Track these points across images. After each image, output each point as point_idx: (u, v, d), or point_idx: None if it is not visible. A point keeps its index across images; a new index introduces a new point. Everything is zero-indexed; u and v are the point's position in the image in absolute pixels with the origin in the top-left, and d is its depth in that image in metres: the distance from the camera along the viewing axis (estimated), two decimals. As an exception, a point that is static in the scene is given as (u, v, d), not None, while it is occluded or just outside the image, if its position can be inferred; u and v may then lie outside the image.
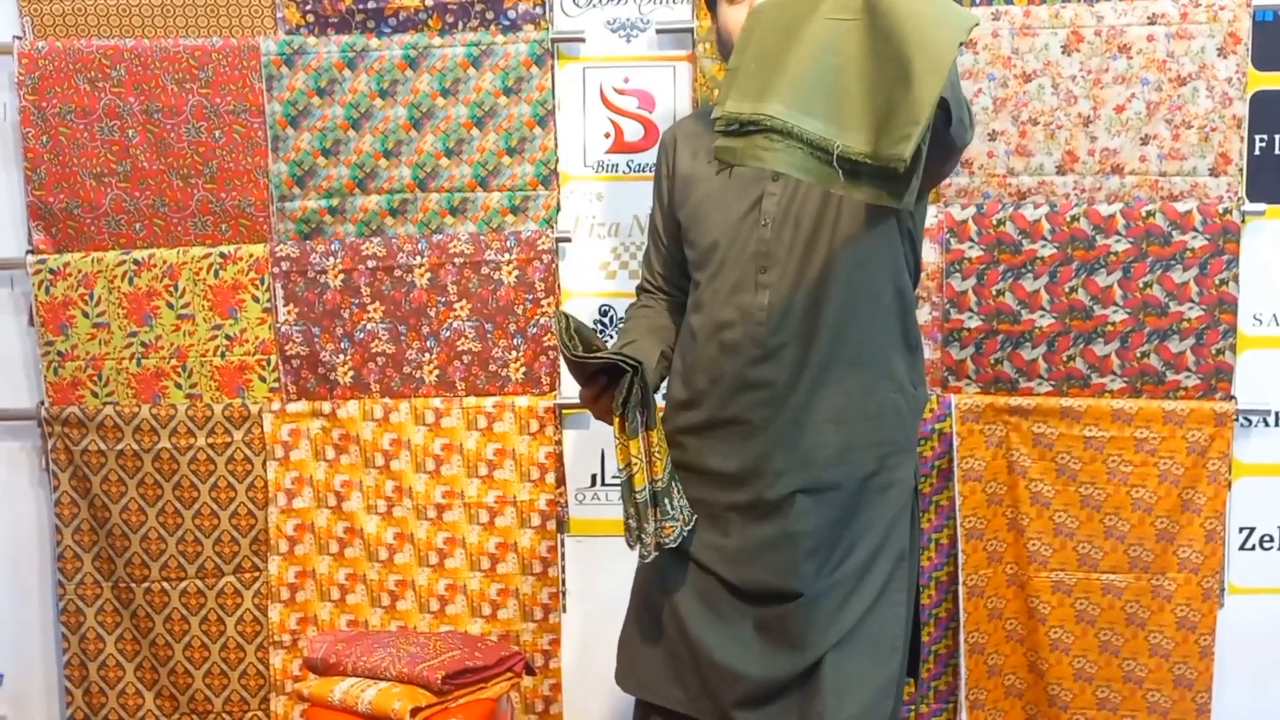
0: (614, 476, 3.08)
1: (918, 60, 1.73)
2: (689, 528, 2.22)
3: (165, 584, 3.04)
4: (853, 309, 2.18)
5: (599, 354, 2.12)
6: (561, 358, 2.24)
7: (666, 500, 2.17)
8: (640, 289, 2.53)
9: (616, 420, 2.11)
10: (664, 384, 2.39)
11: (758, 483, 2.20)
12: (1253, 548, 2.97)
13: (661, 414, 2.36)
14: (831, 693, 2.15)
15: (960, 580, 2.92)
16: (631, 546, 2.18)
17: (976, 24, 1.82)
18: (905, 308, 2.26)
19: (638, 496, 2.13)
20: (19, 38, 2.96)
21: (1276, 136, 2.88)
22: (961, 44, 1.77)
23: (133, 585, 3.04)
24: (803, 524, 2.19)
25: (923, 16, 1.76)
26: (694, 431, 2.28)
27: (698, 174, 2.32)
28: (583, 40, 2.99)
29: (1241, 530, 2.96)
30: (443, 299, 2.99)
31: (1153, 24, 2.81)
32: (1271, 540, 2.97)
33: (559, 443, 3.03)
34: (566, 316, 2.15)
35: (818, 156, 1.80)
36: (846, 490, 2.20)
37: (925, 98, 1.72)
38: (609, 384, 2.16)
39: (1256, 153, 2.88)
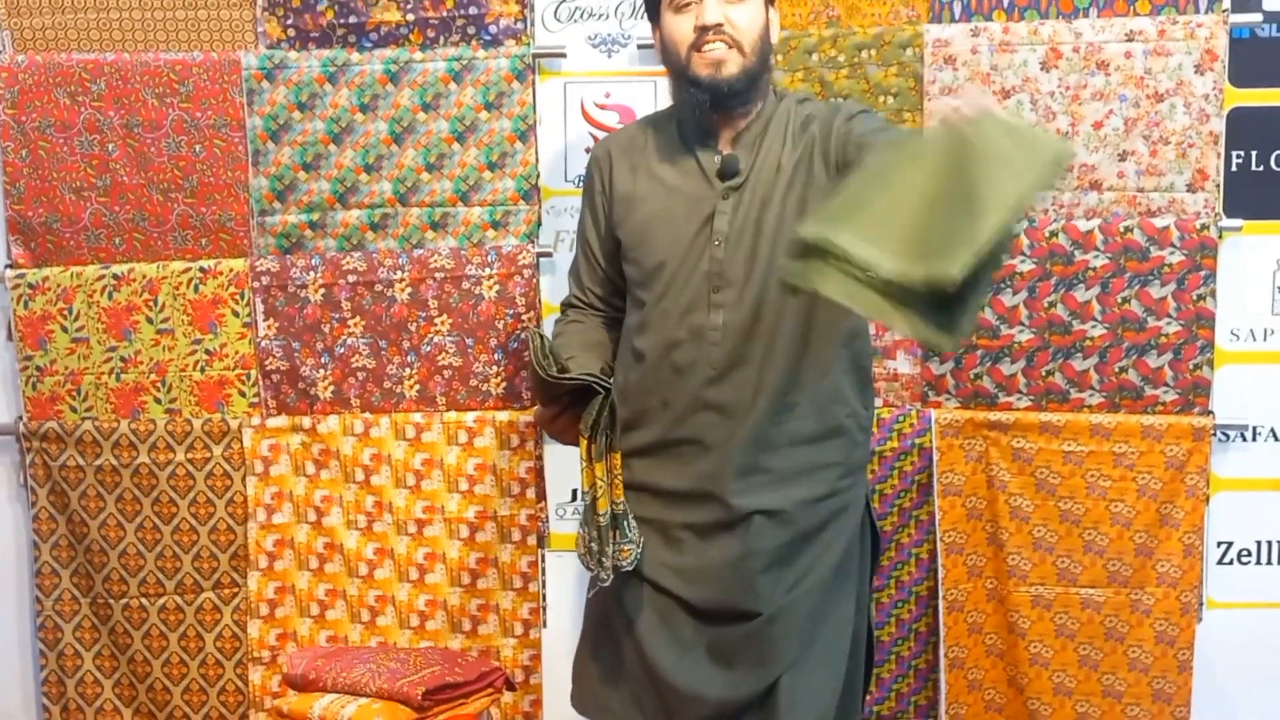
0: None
1: (987, 198, 1.64)
2: (639, 549, 2.21)
3: (144, 600, 3.03)
4: (808, 333, 2.18)
5: (571, 375, 2.11)
6: (532, 376, 2.22)
7: (625, 523, 2.18)
8: (567, 304, 2.48)
9: (584, 442, 2.10)
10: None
11: (714, 503, 2.20)
12: (1230, 562, 2.99)
13: None
14: (785, 709, 2.16)
15: (940, 595, 2.93)
16: (591, 569, 2.18)
17: (1071, 156, 1.72)
18: (856, 332, 2.27)
19: (600, 520, 2.13)
20: (-2, 52, 2.97)
21: (1253, 153, 2.90)
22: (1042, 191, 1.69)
23: (111, 601, 3.03)
24: (759, 543, 2.19)
25: (1007, 161, 1.67)
26: (643, 452, 2.27)
27: (639, 192, 2.29)
28: (564, 55, 3.00)
29: (1219, 545, 2.97)
30: (423, 314, 2.98)
31: (1130, 41, 2.83)
32: (1249, 555, 2.98)
33: (539, 458, 3.02)
34: (541, 336, 2.15)
35: (870, 283, 1.69)
36: (802, 511, 2.20)
37: (985, 225, 1.61)
38: (570, 404, 2.16)
39: (1233, 169, 2.90)
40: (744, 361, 2.17)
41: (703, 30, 2.16)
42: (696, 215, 2.22)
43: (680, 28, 2.20)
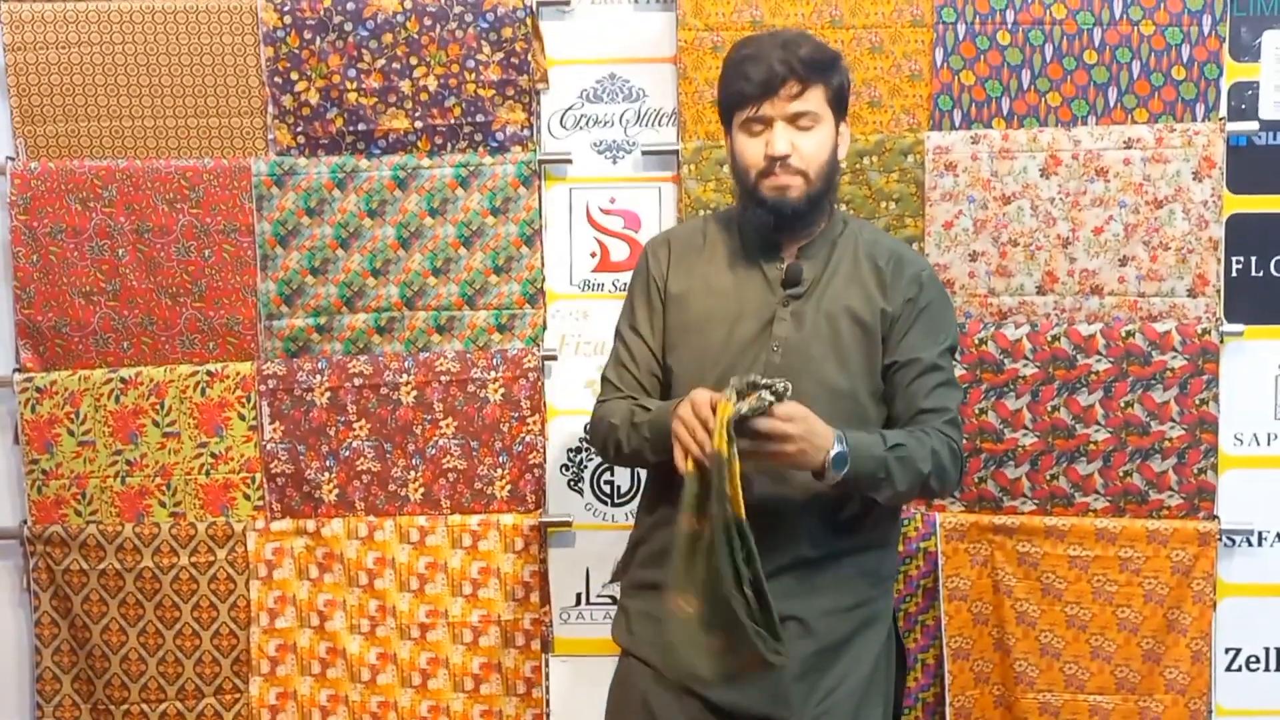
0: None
1: None
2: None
3: (145, 706, 3.00)
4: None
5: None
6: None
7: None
8: (602, 402, 2.36)
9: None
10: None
11: None
12: (1239, 669, 2.96)
13: (638, 531, 2.36)
14: None
15: (947, 702, 2.90)
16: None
17: None
18: None
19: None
20: (12, 159, 3.00)
21: (1253, 258, 2.93)
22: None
23: (112, 708, 3.00)
24: (792, 649, 2.17)
25: None
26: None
27: (693, 291, 2.29)
28: (569, 161, 3.04)
29: (1228, 651, 2.95)
30: (429, 416, 2.99)
31: (1129, 148, 2.87)
32: (1258, 661, 2.96)
33: (544, 561, 3.02)
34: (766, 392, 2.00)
35: None
36: (831, 619, 2.19)
37: None
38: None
39: (1233, 274, 2.92)
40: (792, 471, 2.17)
41: (772, 160, 2.18)
42: (754, 319, 2.23)
43: (751, 151, 2.22)
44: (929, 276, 2.32)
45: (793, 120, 2.19)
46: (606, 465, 3.06)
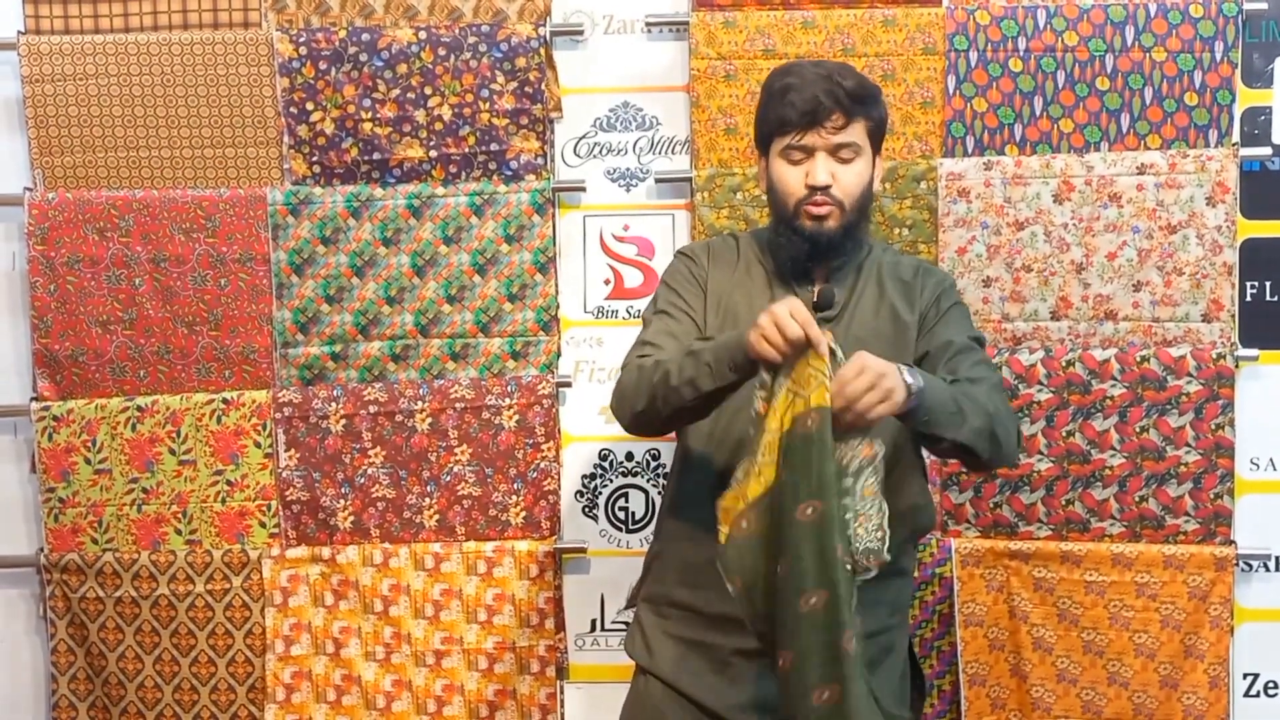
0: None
1: None
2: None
3: (160, 734, 3.02)
4: (892, 469, 2.19)
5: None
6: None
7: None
8: (640, 358, 2.23)
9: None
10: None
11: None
12: (1257, 694, 2.95)
13: (656, 554, 2.36)
14: None
15: (964, 729, 2.90)
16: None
17: None
18: (920, 507, 2.29)
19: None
20: (29, 189, 3.02)
21: (1268, 284, 2.93)
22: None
23: (128, 736, 3.02)
24: None
25: None
26: (692, 574, 2.25)
27: (732, 300, 2.30)
28: (583, 189, 3.05)
29: (1245, 677, 2.94)
30: (443, 444, 3.00)
31: (1142, 174, 2.87)
32: (1276, 687, 2.95)
33: (559, 587, 3.02)
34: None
35: None
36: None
37: None
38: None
39: (1248, 299, 2.92)
40: None
41: (812, 189, 2.19)
42: None
43: (791, 179, 2.22)
44: (951, 284, 2.37)
45: (834, 151, 2.20)
46: (621, 492, 3.06)
